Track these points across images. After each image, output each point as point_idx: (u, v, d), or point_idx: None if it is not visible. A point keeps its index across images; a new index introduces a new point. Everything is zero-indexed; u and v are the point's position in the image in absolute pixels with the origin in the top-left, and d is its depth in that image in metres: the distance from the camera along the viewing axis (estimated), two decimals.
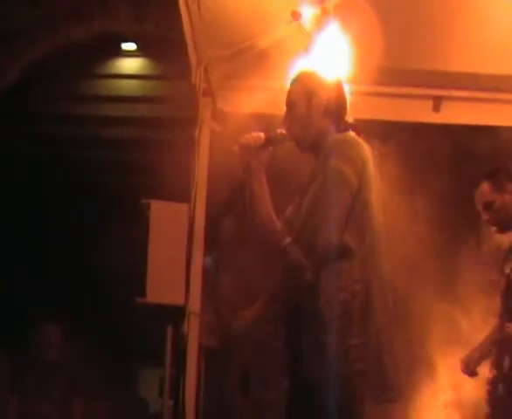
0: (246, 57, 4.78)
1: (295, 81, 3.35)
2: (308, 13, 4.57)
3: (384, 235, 3.13)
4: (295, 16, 4.54)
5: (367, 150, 3.11)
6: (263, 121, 4.11)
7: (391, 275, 3.12)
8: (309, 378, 2.95)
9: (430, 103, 4.99)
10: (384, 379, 2.99)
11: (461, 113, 4.97)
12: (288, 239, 3.05)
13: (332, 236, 2.95)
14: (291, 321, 3.10)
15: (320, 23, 4.41)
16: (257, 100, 4.85)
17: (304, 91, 3.27)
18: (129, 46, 7.28)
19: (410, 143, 5.15)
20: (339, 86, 3.32)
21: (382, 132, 4.18)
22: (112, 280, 7.07)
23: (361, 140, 3.14)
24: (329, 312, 2.93)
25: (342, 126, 3.21)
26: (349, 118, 3.31)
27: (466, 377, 4.61)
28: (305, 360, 2.98)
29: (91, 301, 7.40)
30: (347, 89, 3.36)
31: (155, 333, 5.53)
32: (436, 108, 4.98)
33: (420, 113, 5.02)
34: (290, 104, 3.31)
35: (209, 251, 4.89)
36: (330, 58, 4.11)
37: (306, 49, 4.27)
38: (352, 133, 3.17)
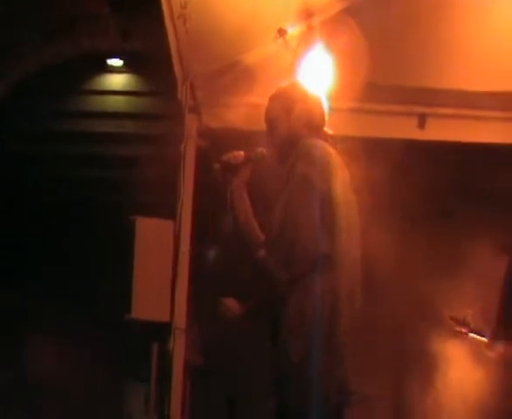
0: (232, 73, 4.80)
1: (273, 98, 3.35)
2: (294, 31, 4.60)
3: (354, 238, 3.14)
4: (281, 33, 4.57)
5: (333, 154, 3.11)
6: (249, 137, 4.12)
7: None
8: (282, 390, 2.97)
9: (415, 120, 5.02)
10: (347, 382, 3.00)
11: (446, 130, 5.00)
12: (262, 252, 3.05)
13: (309, 247, 2.95)
14: (269, 335, 3.11)
15: (306, 40, 4.44)
16: (243, 117, 4.85)
17: (282, 106, 3.28)
18: (115, 62, 7.27)
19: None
20: (316, 98, 3.33)
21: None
22: (100, 296, 7.06)
23: (327, 145, 3.14)
24: (299, 323, 2.93)
25: (322, 137, 3.21)
26: (328, 130, 3.31)
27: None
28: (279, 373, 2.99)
29: (79, 317, 7.36)
30: (324, 101, 3.37)
31: (142, 348, 5.53)
32: (421, 125, 5.01)
33: (405, 130, 5.05)
34: (270, 121, 3.33)
35: None
36: (316, 75, 4.13)
37: (292, 66, 4.29)
38: (318, 140, 3.16)
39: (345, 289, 3.02)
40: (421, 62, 4.71)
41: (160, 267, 4.73)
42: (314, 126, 3.22)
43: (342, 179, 3.11)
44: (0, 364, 7.46)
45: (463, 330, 4.31)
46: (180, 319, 4.73)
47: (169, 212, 4.90)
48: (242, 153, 3.26)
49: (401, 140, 5.05)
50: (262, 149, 3.29)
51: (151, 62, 6.84)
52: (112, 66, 7.29)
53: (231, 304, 3.23)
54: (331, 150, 3.13)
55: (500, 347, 4.09)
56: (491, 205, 5.50)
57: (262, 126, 3.48)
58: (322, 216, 2.97)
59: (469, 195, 5.58)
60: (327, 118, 3.30)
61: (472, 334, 4.30)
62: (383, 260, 3.30)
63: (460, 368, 4.79)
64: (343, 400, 3.01)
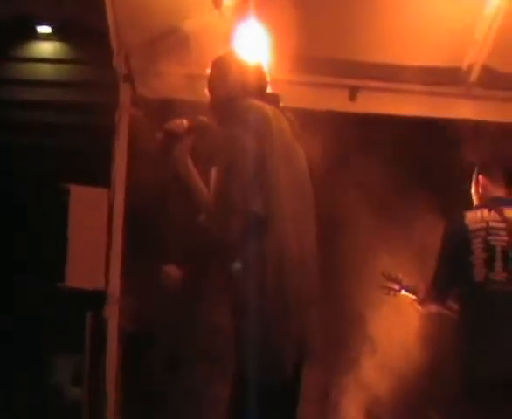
0: (168, 43, 4.79)
1: (212, 66, 3.42)
2: (229, 1, 4.63)
3: (301, 194, 3.20)
4: (217, 3, 4.60)
5: (272, 114, 3.16)
6: (184, 107, 4.16)
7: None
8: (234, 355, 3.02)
9: (346, 92, 5.12)
10: (303, 338, 3.06)
11: (377, 103, 5.12)
12: (202, 216, 3.10)
13: (240, 208, 2.99)
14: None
15: (240, 11, 4.47)
16: (178, 87, 4.87)
17: (219, 74, 3.36)
18: (45, 29, 7.18)
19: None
20: (254, 62, 3.41)
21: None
22: (29, 266, 6.98)
23: (265, 105, 3.19)
24: (243, 292, 2.97)
25: (264, 98, 3.27)
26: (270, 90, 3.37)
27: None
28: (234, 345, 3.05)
29: (3, 287, 7.26)
30: (264, 66, 3.45)
31: (69, 319, 5.50)
32: (352, 98, 5.11)
33: (337, 102, 5.14)
34: (209, 88, 3.39)
35: None
36: (250, 46, 4.18)
37: (227, 36, 4.33)
38: (254, 100, 3.20)
39: (292, 245, 3.05)
40: (353, 35, 4.81)
41: (94, 235, 4.74)
42: (252, 88, 3.28)
43: (283, 138, 3.17)
44: None
45: (395, 287, 4.44)
46: (114, 287, 4.74)
47: (102, 181, 4.90)
48: (185, 121, 3.30)
49: (333, 112, 5.15)
50: (204, 117, 3.34)
51: (81, 30, 6.78)
52: (41, 33, 7.19)
53: (172, 271, 3.27)
54: (270, 110, 3.17)
55: (431, 307, 4.25)
56: (424, 176, 5.69)
57: (197, 95, 3.54)
58: (255, 177, 3.01)
59: (403, 166, 5.72)
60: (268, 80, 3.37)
61: (403, 292, 4.43)
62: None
63: (390, 323, 4.98)
64: (300, 356, 3.08)
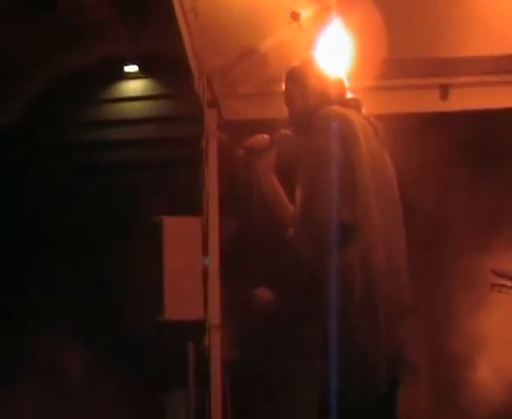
0: (248, 62, 4.74)
1: (287, 78, 3.31)
2: (308, 13, 4.53)
3: (389, 200, 3.05)
4: (295, 17, 4.50)
5: (354, 120, 3.02)
6: (269, 126, 4.07)
7: None
8: (322, 373, 2.87)
9: (437, 92, 4.94)
10: (397, 353, 2.88)
11: (469, 98, 4.90)
12: (290, 231, 2.97)
13: (328, 219, 2.84)
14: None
15: (320, 21, 4.37)
16: (262, 106, 4.81)
17: (297, 84, 3.24)
18: (132, 68, 7.30)
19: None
20: (331, 71, 3.29)
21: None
22: (127, 302, 7.00)
23: (346, 111, 3.05)
24: (331, 301, 2.82)
25: (343, 104, 3.13)
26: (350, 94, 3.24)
27: None
28: (319, 358, 2.91)
29: (118, 327, 7.32)
30: (342, 73, 3.30)
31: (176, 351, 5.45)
32: (443, 96, 4.93)
33: (428, 102, 4.97)
34: (287, 101, 3.28)
35: None
36: (334, 55, 4.06)
37: (308, 49, 4.23)
38: (334, 108, 3.05)
39: (381, 254, 2.90)
40: (439, 32, 4.60)
41: (190, 265, 4.69)
42: (331, 95, 3.15)
43: (368, 144, 3.02)
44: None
45: (507, 283, 4.25)
46: (214, 316, 4.67)
47: (195, 214, 4.85)
48: (266, 136, 3.22)
49: (425, 114, 4.98)
50: (286, 131, 3.24)
51: (167, 65, 6.84)
52: (128, 73, 7.32)
53: (264, 293, 3.18)
54: (353, 115, 3.04)
55: None
56: None
57: (281, 112, 3.44)
58: (342, 185, 2.87)
59: (504, 160, 5.50)
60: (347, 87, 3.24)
61: None
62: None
63: (501, 322, 4.76)
64: (395, 372, 2.90)
